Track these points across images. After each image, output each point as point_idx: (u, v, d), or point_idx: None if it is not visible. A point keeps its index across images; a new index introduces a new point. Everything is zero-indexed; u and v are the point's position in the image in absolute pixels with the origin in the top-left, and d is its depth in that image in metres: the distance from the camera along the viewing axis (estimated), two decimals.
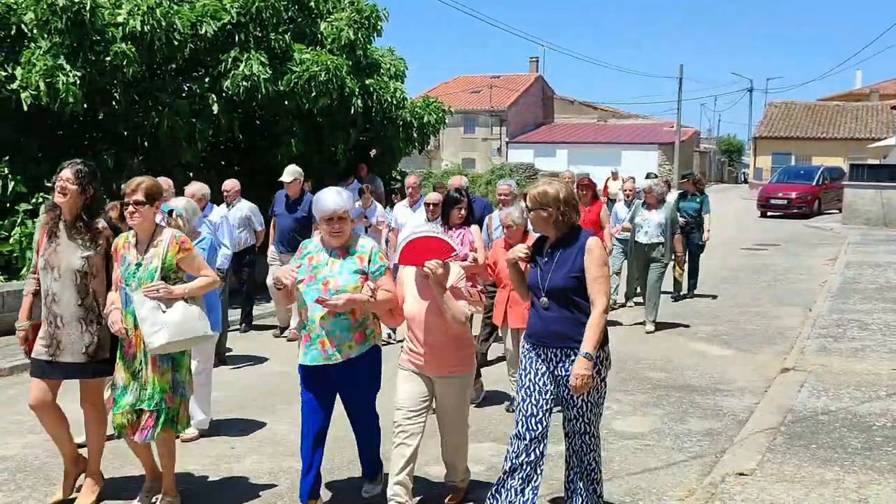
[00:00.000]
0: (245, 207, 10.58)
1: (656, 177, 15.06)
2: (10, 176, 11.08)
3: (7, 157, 11.25)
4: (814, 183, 32.31)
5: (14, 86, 11.05)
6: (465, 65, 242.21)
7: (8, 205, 11.09)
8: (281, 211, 10.47)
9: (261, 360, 9.35)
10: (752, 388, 8.03)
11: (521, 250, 4.69)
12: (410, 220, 9.96)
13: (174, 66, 13.09)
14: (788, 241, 22.22)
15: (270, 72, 12.86)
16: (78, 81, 11.08)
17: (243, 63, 12.72)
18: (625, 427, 6.87)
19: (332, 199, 4.86)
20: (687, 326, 10.96)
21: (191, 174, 13.37)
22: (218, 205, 10.11)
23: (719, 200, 39.68)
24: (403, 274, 5.10)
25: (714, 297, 13.11)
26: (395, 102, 15.29)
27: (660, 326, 10.81)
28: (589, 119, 61.76)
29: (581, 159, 48.51)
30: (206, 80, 13.13)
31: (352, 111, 14.18)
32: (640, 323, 10.96)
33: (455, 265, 4.94)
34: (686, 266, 12.46)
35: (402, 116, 15.58)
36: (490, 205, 11.26)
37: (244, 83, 12.66)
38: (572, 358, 4.46)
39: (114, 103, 12.26)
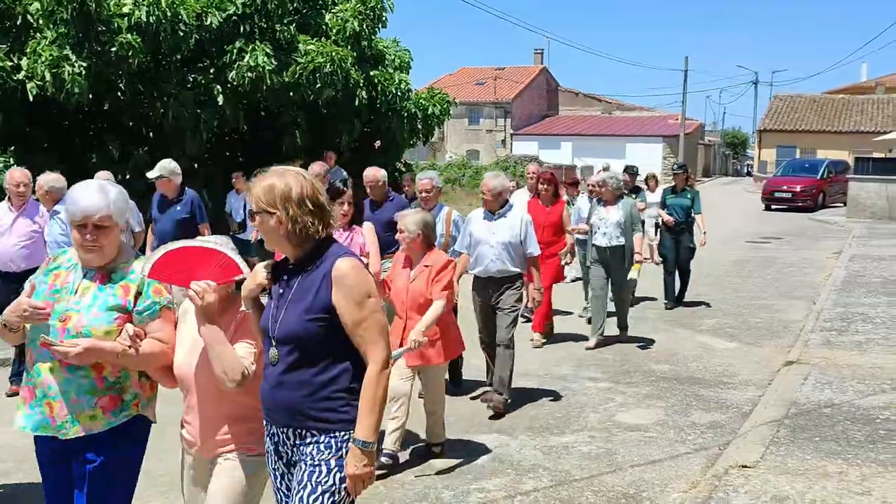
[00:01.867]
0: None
1: (636, 168, 13.30)
2: (15, 165, 11.09)
3: (13, 147, 11.28)
4: (818, 176, 32.21)
5: (20, 76, 11.09)
6: (469, 56, 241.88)
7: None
8: (156, 213, 8.71)
9: None
10: (755, 380, 8.03)
11: (259, 274, 3.19)
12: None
13: (179, 56, 13.10)
14: (793, 234, 22.18)
15: (275, 63, 12.87)
16: (83, 72, 11.10)
17: (248, 54, 12.72)
18: (629, 419, 6.89)
19: (87, 195, 3.28)
20: (691, 318, 10.95)
21: (196, 165, 13.42)
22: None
23: (723, 193, 39.70)
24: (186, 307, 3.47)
25: (708, 304, 11.98)
26: (399, 94, 15.29)
27: (665, 319, 10.80)
28: (593, 111, 61.65)
29: (585, 151, 48.44)
30: (212, 71, 13.15)
31: (356, 102, 14.18)
32: (657, 301, 10.92)
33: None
34: (655, 268, 11.52)
35: (407, 108, 15.58)
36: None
37: (249, 74, 12.67)
38: (310, 442, 3.03)
39: (119, 94, 12.30)
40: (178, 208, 8.51)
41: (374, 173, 8.19)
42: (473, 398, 7.36)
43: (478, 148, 55.63)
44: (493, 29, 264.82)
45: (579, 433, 6.52)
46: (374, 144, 16.37)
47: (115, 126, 12.88)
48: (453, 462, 5.82)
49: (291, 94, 13.43)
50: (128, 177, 13.10)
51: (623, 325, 9.73)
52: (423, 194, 7.50)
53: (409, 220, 5.72)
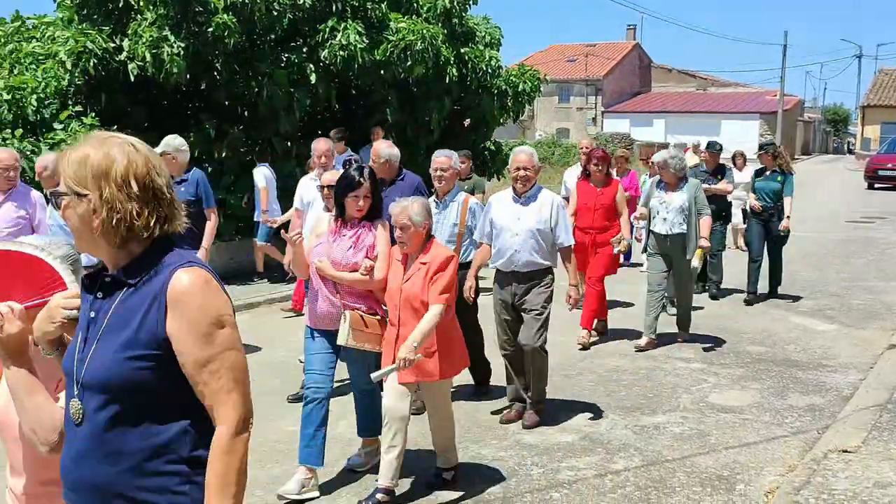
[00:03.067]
0: None
1: (712, 146, 11.13)
2: None
3: (115, 126, 11.61)
4: None
5: (122, 57, 11.42)
6: (560, 33, 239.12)
7: None
8: None
9: None
10: (856, 364, 7.77)
11: (59, 308, 2.30)
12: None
13: (273, 36, 13.28)
14: None
15: (367, 41, 12.93)
16: (182, 52, 11.37)
17: (340, 33, 12.81)
18: (722, 401, 6.74)
19: None
20: (788, 300, 10.63)
21: (289, 143, 13.64)
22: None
23: (823, 172, 38.36)
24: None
25: (806, 285, 11.90)
26: (490, 71, 15.18)
27: (758, 299, 10.52)
28: (688, 87, 60.29)
29: (679, 129, 47.43)
30: (304, 50, 13.30)
31: (447, 80, 14.16)
32: (739, 290, 10.64)
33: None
34: (751, 260, 10.45)
35: (497, 85, 15.47)
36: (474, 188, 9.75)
37: (341, 53, 12.77)
38: None
39: (215, 74, 12.54)
40: (182, 189, 7.62)
41: (378, 148, 6.81)
42: (496, 412, 6.41)
43: (568, 126, 55.09)
44: (584, 5, 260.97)
45: (671, 413, 6.42)
46: (463, 122, 16.33)
47: (211, 105, 13.15)
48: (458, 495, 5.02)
49: (382, 72, 13.48)
50: (224, 155, 13.42)
51: (684, 325, 8.62)
52: (438, 173, 6.28)
53: (413, 209, 4.79)
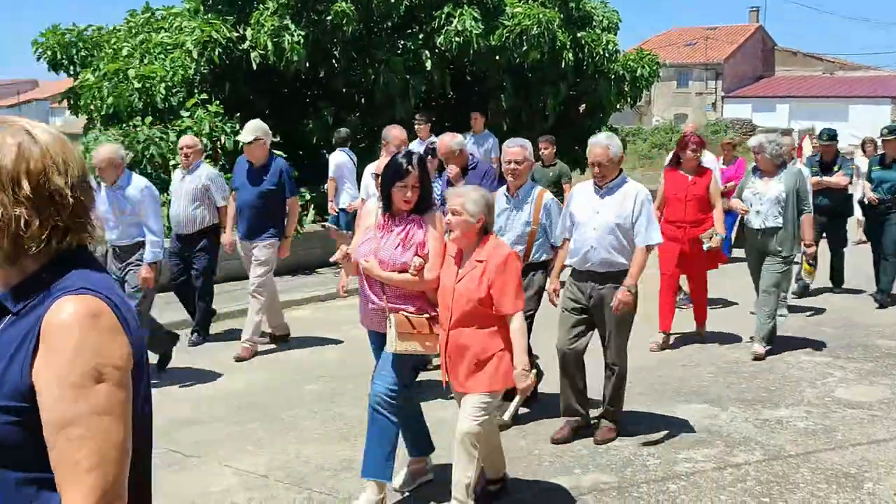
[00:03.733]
0: (203, 175, 7.97)
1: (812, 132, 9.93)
2: (240, 131, 11.79)
3: (238, 114, 11.98)
4: None
5: (244, 46, 11.77)
6: (679, 16, 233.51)
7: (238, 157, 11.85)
8: (241, 183, 7.73)
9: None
10: None
11: None
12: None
13: (390, 23, 13.44)
14: None
15: (482, 27, 12.94)
16: (301, 40, 11.64)
17: (456, 19, 12.86)
18: (849, 396, 6.45)
19: None
20: None
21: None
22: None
23: None
24: None
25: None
26: (606, 55, 14.97)
27: (890, 299, 9.98)
28: (813, 71, 57.92)
29: (804, 115, 45.67)
30: (420, 36, 13.40)
31: (562, 65, 14.03)
32: (860, 291, 10.14)
33: None
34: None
35: (614, 70, 15.24)
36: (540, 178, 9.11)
37: (456, 39, 12.81)
38: None
39: (333, 61, 12.78)
40: (265, 178, 7.50)
41: (445, 142, 6.66)
42: (556, 443, 5.44)
43: (686, 111, 53.77)
44: None
45: (794, 408, 6.19)
46: (578, 108, 16.16)
47: (329, 93, 13.43)
48: None
49: (497, 57, 13.47)
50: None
51: (765, 338, 7.42)
52: (511, 166, 5.69)
53: (468, 198, 4.27)
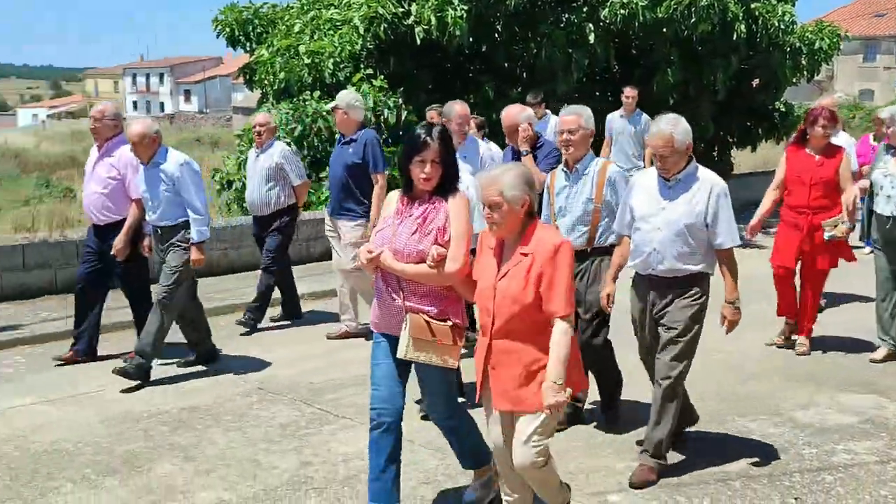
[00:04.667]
0: (276, 153, 7.80)
1: None
2: (402, 106, 12.01)
3: (402, 88, 12.19)
4: None
5: (409, 21, 11.92)
6: None
7: (400, 133, 12.08)
8: (332, 156, 7.48)
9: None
10: None
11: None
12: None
13: None
14: None
15: None
16: (465, 15, 11.69)
17: None
18: None
19: None
20: None
21: (566, 105, 13.62)
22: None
23: None
24: None
25: None
26: (782, 27, 14.21)
27: None
28: None
29: None
30: (584, 9, 13.19)
31: (734, 37, 13.44)
32: None
33: None
34: None
35: (790, 42, 14.46)
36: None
37: (621, 11, 12.53)
38: None
39: (496, 35, 12.77)
40: (350, 151, 7.10)
41: (511, 113, 6.04)
42: (634, 487, 4.55)
43: (872, 87, 50.52)
44: None
45: None
46: (751, 82, 15.48)
47: (491, 67, 13.44)
48: None
49: (664, 30, 13.07)
50: None
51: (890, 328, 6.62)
52: (564, 136, 5.02)
53: (504, 183, 3.57)
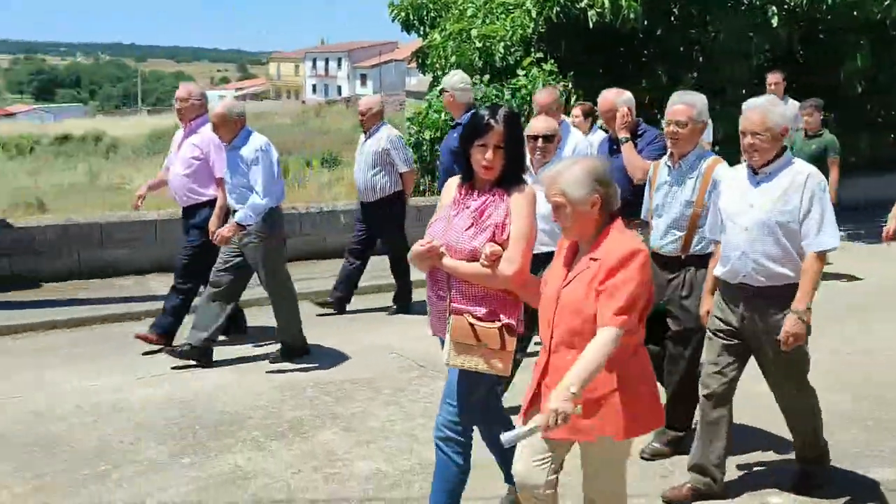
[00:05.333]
0: (383, 138, 7.55)
1: None
2: (572, 90, 11.88)
3: (572, 73, 12.06)
4: None
5: (582, 4, 11.76)
6: None
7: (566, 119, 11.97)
8: (444, 142, 7.25)
9: None
10: None
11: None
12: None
13: None
14: None
15: None
16: None
17: None
18: None
19: None
20: None
21: (743, 91, 13.10)
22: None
23: None
24: None
25: None
26: None
27: None
28: None
29: None
30: None
31: None
32: None
33: None
34: None
35: None
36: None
37: None
38: None
39: (671, 18, 12.43)
40: (455, 135, 6.54)
41: (608, 98, 5.51)
42: (668, 502, 4.23)
43: None
44: None
45: None
46: None
47: (665, 51, 13.08)
48: None
49: (855, 13, 12.32)
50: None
51: None
52: (671, 129, 4.48)
53: (566, 180, 3.12)
